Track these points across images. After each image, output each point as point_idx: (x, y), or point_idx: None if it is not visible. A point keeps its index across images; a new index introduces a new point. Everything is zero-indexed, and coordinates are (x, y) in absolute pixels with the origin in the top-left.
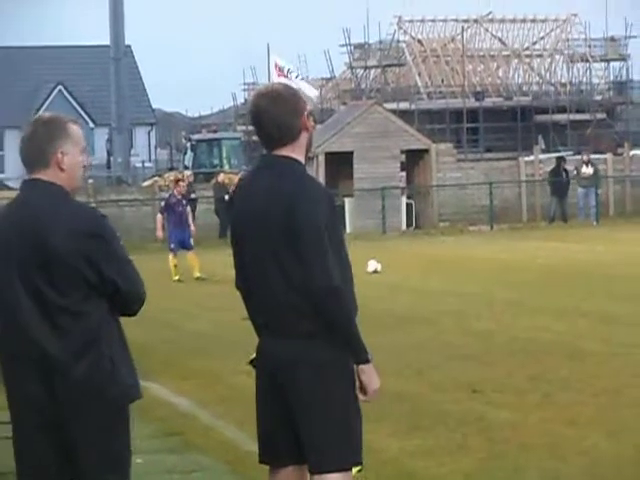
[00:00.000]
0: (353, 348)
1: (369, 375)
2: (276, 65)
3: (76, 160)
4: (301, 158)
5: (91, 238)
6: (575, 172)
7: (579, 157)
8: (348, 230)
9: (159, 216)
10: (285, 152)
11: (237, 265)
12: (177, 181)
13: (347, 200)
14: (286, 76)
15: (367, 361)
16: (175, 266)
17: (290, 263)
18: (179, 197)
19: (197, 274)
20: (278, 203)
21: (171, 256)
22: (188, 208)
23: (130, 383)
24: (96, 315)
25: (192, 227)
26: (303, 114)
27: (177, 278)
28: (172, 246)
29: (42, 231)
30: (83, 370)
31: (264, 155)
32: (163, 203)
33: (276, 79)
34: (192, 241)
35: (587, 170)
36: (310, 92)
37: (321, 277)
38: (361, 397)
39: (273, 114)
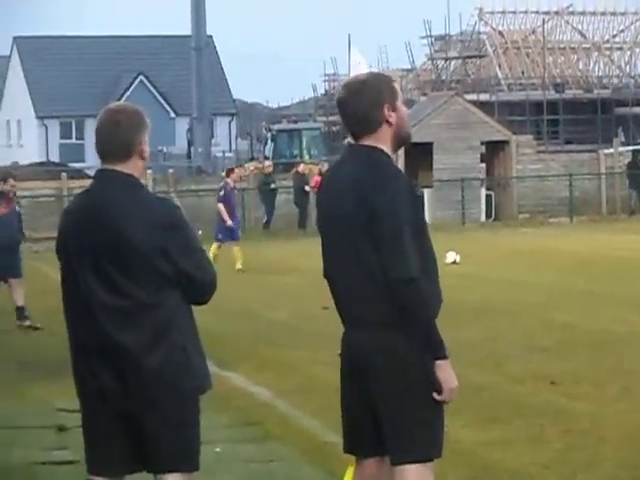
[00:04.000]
0: (429, 342)
1: (444, 372)
2: (354, 57)
3: (148, 150)
4: (386, 147)
5: (167, 230)
6: None
7: None
8: (427, 221)
9: (220, 205)
10: (369, 142)
11: (324, 254)
12: (230, 170)
13: (426, 191)
14: (364, 68)
15: (443, 357)
16: (215, 256)
17: (370, 253)
18: (232, 185)
19: (239, 266)
20: (358, 192)
21: (215, 246)
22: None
23: (202, 373)
24: (169, 306)
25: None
26: (383, 106)
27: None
28: (220, 236)
29: (117, 223)
30: (157, 361)
31: (349, 145)
32: (222, 192)
33: (356, 70)
34: (240, 232)
35: None
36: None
37: (398, 267)
38: (437, 396)
39: (352, 105)
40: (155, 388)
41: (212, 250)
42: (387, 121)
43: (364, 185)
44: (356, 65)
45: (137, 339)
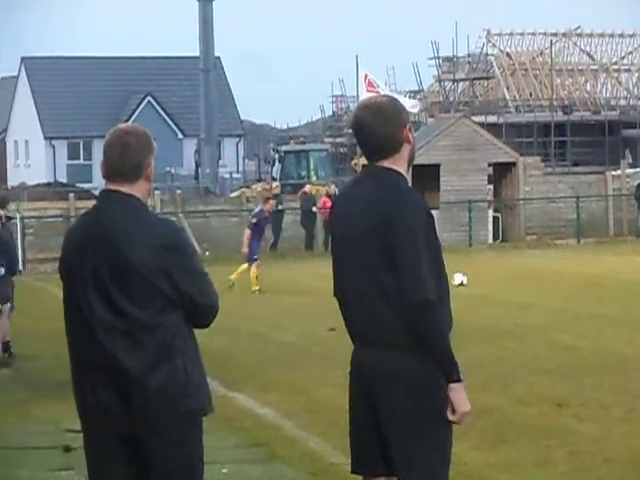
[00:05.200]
0: (444, 365)
1: (458, 395)
2: (366, 77)
3: (153, 173)
4: (402, 170)
5: (169, 251)
6: None
7: None
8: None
9: (248, 231)
10: (387, 164)
11: (335, 274)
12: (268, 199)
13: (433, 213)
14: (376, 90)
15: (458, 380)
16: (257, 277)
17: (385, 274)
18: (267, 215)
19: (256, 288)
20: (376, 214)
21: (254, 267)
22: None
23: (204, 395)
24: (171, 327)
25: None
26: (405, 126)
27: (257, 288)
28: (255, 257)
29: (120, 243)
30: (158, 382)
31: (366, 166)
32: (255, 220)
33: (365, 92)
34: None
35: None
36: (408, 104)
37: (416, 290)
38: (450, 416)
39: (374, 127)
40: (156, 409)
41: (252, 272)
42: (408, 140)
43: (383, 207)
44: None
45: (138, 360)
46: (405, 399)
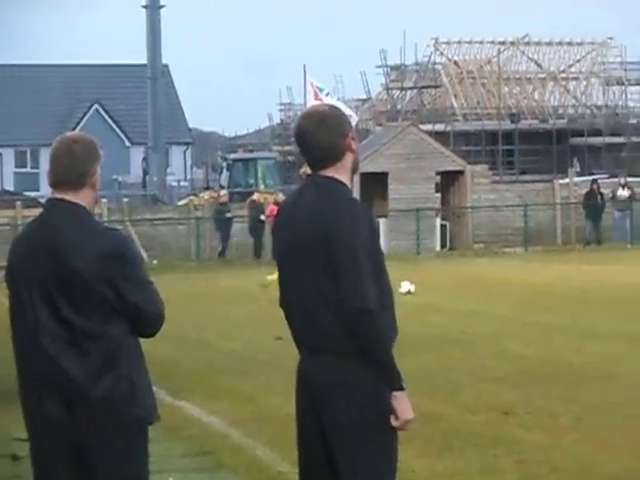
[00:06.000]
0: (386, 373)
1: (401, 403)
2: (312, 85)
3: (99, 181)
4: (345, 179)
5: (114, 260)
6: (611, 195)
7: (614, 180)
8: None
9: None
10: (329, 173)
11: (281, 284)
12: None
13: (381, 221)
14: (321, 98)
15: (400, 388)
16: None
17: (328, 284)
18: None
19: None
20: (317, 223)
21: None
22: None
23: (149, 404)
24: (116, 336)
25: None
26: (347, 135)
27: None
28: None
29: (65, 252)
30: (103, 391)
31: (309, 175)
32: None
33: (312, 100)
34: None
35: (623, 193)
36: (349, 113)
37: (355, 299)
38: (393, 422)
39: (317, 136)
40: (101, 418)
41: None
42: (350, 149)
43: (324, 218)
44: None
45: (83, 369)
46: (349, 407)
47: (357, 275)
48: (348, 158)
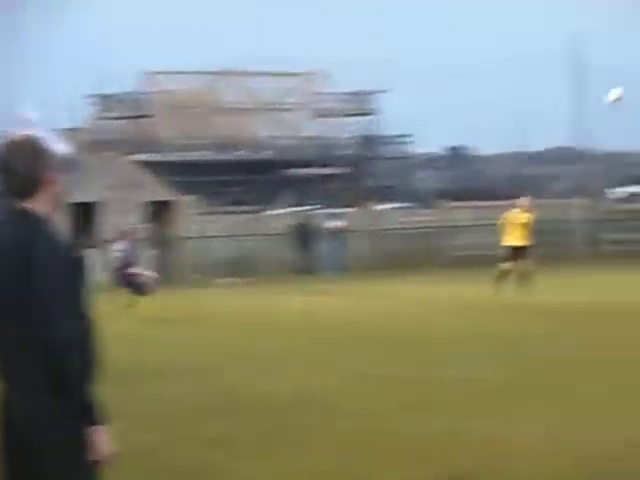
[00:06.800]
0: (82, 407)
1: (99, 438)
2: (21, 115)
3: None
4: (45, 210)
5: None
6: (322, 226)
7: (325, 211)
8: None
9: None
10: (30, 202)
11: None
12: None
13: (91, 251)
14: (31, 127)
15: (98, 422)
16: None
17: (24, 317)
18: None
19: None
20: (11, 258)
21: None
22: None
23: None
24: None
25: None
26: (48, 166)
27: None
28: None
29: None
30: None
31: (7, 206)
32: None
33: (21, 129)
34: None
35: (334, 224)
36: (58, 143)
37: (51, 332)
38: (93, 456)
39: (15, 166)
40: None
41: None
42: (52, 180)
43: (18, 251)
44: (26, 122)
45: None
46: (48, 445)
47: (51, 306)
48: (50, 189)
